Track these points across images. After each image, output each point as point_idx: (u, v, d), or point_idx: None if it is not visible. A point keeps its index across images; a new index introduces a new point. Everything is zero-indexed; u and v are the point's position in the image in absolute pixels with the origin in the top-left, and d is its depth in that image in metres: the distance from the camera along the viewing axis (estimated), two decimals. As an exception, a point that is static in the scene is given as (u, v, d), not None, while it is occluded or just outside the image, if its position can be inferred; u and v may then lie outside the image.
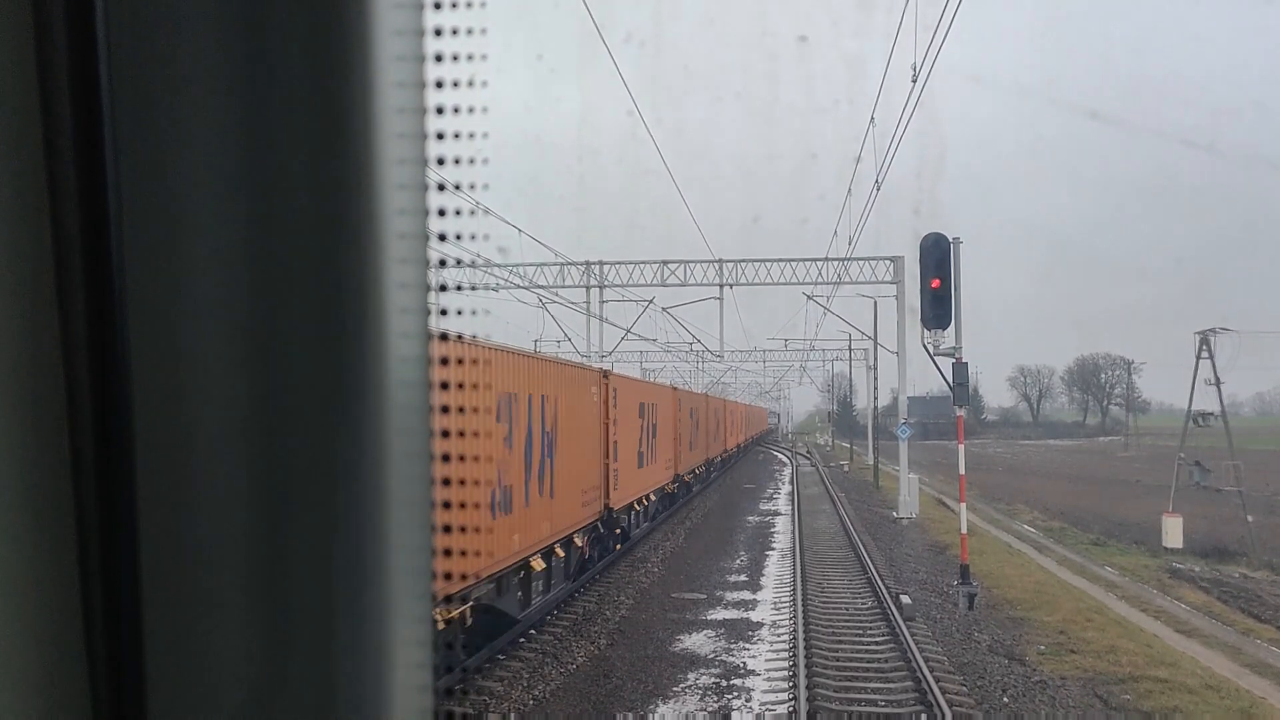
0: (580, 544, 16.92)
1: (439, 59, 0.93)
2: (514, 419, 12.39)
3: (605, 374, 19.40)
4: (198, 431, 0.80)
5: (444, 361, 0.97)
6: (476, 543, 1.04)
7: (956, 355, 17.54)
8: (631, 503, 21.61)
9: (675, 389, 31.31)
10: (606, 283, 36.19)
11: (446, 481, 0.99)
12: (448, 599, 1.08)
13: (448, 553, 1.00)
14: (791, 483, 44.84)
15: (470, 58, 0.94)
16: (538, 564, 13.94)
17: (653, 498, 24.91)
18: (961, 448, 18.91)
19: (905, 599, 16.08)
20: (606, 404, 18.69)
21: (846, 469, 58.19)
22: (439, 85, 0.93)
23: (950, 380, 17.70)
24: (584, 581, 17.57)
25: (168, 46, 0.78)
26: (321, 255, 0.82)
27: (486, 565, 11.17)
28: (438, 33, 0.93)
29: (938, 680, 11.63)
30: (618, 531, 20.41)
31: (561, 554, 15.65)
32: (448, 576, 1.00)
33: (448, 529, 0.99)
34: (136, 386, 0.80)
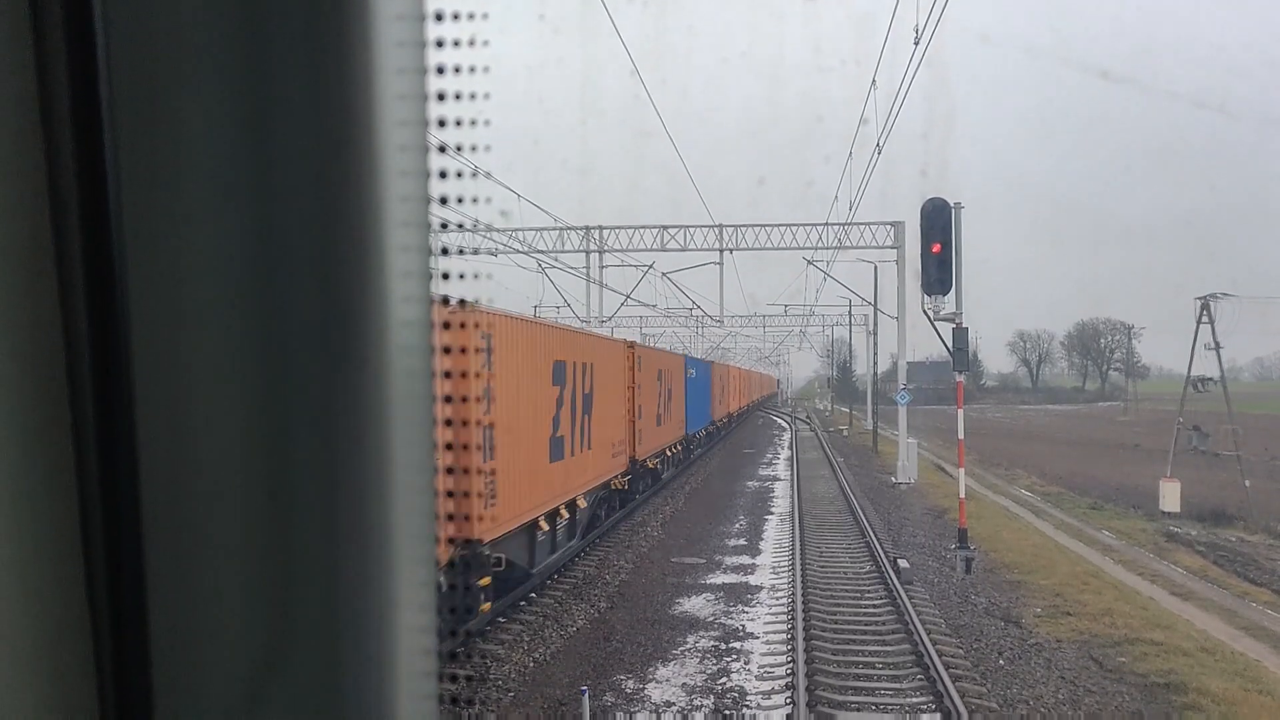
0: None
1: (439, 18, 0.91)
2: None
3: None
4: (200, 425, 0.80)
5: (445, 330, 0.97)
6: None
7: (957, 320, 17.54)
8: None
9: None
10: (606, 248, 36.06)
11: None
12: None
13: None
14: (790, 447, 45.01)
15: (471, 16, 0.92)
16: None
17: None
18: (961, 413, 18.96)
19: (903, 563, 16.20)
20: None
21: (846, 434, 58.39)
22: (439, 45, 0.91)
23: (950, 345, 17.72)
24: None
25: (163, 37, 0.77)
26: (322, 236, 0.82)
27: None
28: None
29: (934, 643, 11.75)
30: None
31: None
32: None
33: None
34: (139, 372, 0.79)
